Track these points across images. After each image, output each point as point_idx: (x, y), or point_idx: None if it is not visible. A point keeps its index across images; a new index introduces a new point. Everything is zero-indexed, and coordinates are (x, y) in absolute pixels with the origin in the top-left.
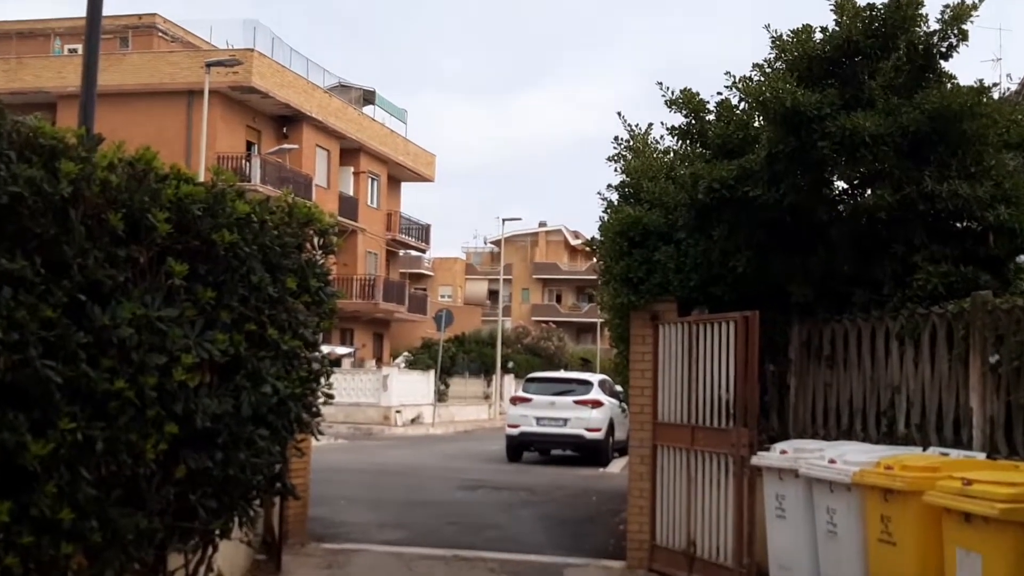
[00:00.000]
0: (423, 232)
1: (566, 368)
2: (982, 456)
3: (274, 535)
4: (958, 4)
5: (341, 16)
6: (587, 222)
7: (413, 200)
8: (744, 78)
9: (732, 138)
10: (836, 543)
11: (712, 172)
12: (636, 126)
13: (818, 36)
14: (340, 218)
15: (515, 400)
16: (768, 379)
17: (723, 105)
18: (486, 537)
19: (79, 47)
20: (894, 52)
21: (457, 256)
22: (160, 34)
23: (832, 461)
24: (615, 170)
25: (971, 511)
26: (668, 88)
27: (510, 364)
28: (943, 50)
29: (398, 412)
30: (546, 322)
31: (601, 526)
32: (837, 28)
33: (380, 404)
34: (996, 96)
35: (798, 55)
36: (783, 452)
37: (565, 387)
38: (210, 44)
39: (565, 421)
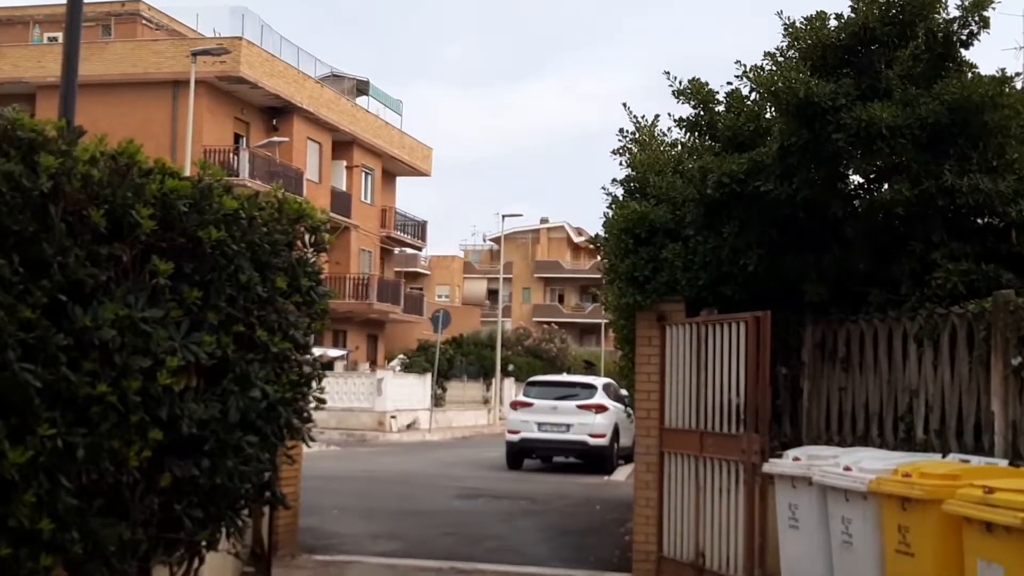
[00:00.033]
0: (419, 229)
1: (569, 371)
2: (1004, 463)
3: (263, 546)
4: None
5: (334, 2)
6: (591, 218)
7: (409, 195)
8: (755, 67)
9: (743, 130)
10: (852, 554)
11: (722, 166)
12: (642, 118)
13: (833, 23)
14: (332, 214)
15: (515, 405)
16: (780, 382)
17: (733, 96)
18: (485, 548)
19: (59, 35)
20: (912, 40)
21: (455, 254)
22: (144, 22)
23: (847, 468)
24: (620, 164)
25: (993, 521)
26: (676, 78)
27: (510, 367)
28: (963, 38)
29: (393, 417)
30: (548, 323)
31: (606, 537)
32: (852, 15)
33: (374, 409)
34: (1019, 86)
35: (812, 43)
36: (796, 459)
37: (568, 391)
38: (196, 32)
39: (568, 427)
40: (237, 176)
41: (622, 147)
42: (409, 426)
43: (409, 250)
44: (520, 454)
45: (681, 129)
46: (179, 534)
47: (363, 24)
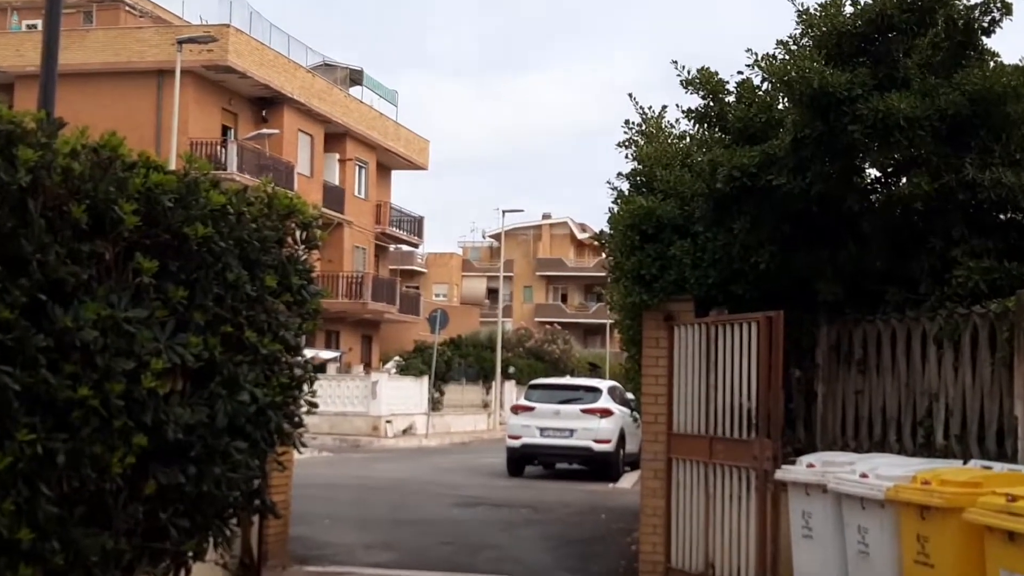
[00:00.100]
0: (416, 225)
1: (572, 374)
2: None
3: (252, 557)
4: None
5: None
6: (595, 214)
7: (405, 190)
8: (767, 56)
9: (754, 122)
10: (868, 565)
11: (732, 159)
12: (649, 109)
13: (848, 10)
14: (324, 210)
15: (516, 409)
16: (793, 385)
17: (744, 86)
18: (484, 558)
19: (39, 23)
20: (931, 27)
21: (453, 251)
22: (127, 8)
23: (864, 475)
24: (626, 157)
25: (1016, 530)
26: (684, 67)
27: (511, 369)
28: (985, 25)
29: (388, 422)
30: (550, 323)
31: (611, 546)
32: (869, 1)
33: (369, 413)
34: None
35: (826, 31)
36: (810, 465)
37: (571, 395)
38: (182, 19)
39: (571, 432)
40: (225, 170)
41: (628, 139)
42: (405, 431)
43: (405, 247)
44: (521, 460)
45: (690, 121)
46: (164, 544)
47: (356, 11)
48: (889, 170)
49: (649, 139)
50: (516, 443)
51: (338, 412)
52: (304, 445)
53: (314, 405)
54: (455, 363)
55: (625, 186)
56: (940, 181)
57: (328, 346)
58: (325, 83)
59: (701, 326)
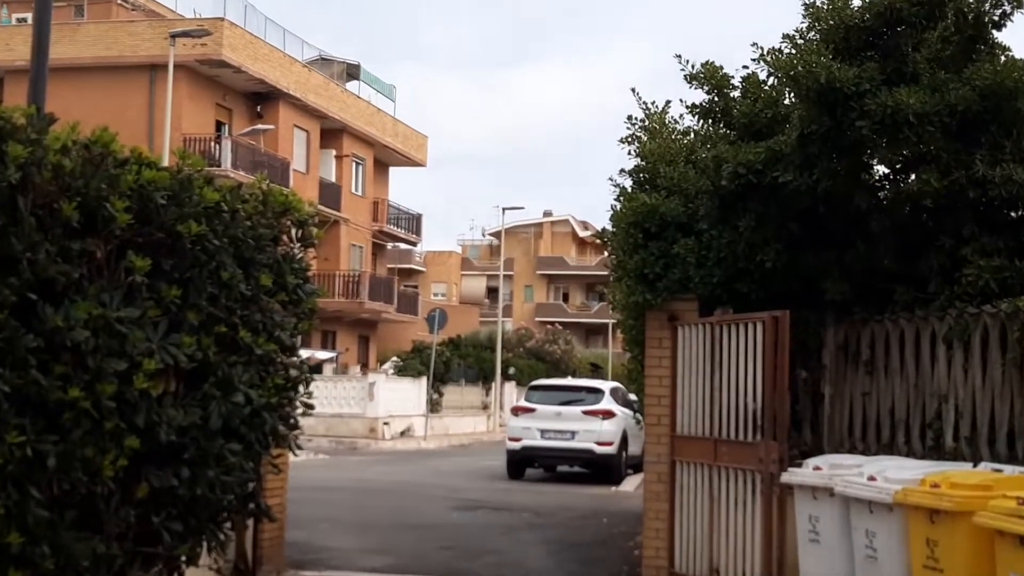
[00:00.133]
0: (414, 222)
1: (574, 375)
2: None
3: (247, 561)
4: None
5: None
6: (597, 211)
7: (403, 187)
8: (773, 50)
9: (760, 117)
10: (876, 570)
11: (737, 155)
12: (652, 104)
13: (856, 3)
14: (321, 207)
15: (517, 410)
16: (800, 387)
17: (750, 80)
18: (484, 563)
19: (29, 16)
20: (941, 21)
21: (452, 250)
22: (119, 2)
23: (872, 478)
24: (629, 153)
25: None
26: (688, 61)
27: (511, 370)
28: (996, 18)
29: (386, 424)
30: (551, 323)
31: (613, 551)
32: None
33: (366, 415)
34: None
35: (834, 24)
36: (817, 468)
37: (573, 396)
38: (175, 13)
39: (573, 434)
40: (219, 166)
41: (631, 135)
42: (403, 433)
43: (403, 245)
44: (522, 463)
45: (694, 116)
46: (157, 548)
47: (353, 4)
48: (898, 167)
49: (652, 135)
50: (516, 445)
51: (334, 414)
52: (300, 447)
53: (310, 407)
54: (454, 364)
55: (628, 183)
56: (950, 178)
57: (324, 346)
58: (321, 78)
59: (705, 326)
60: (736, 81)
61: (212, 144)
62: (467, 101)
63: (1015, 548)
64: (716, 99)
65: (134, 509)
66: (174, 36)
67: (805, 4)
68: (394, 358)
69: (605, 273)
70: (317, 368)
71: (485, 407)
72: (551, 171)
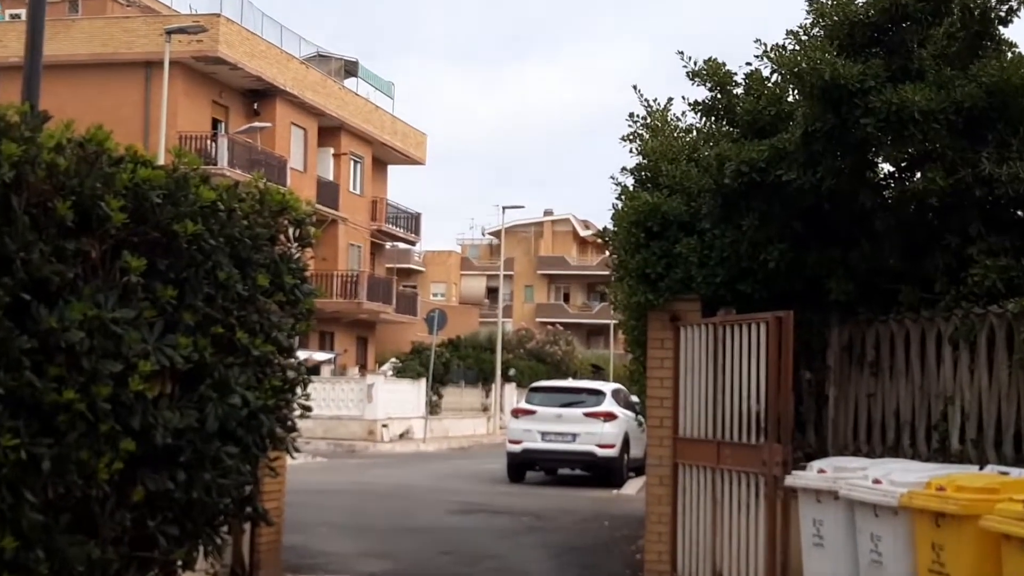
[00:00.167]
0: (413, 222)
1: (575, 376)
2: None
3: (244, 566)
4: None
5: None
6: (599, 210)
7: (402, 186)
8: (777, 46)
9: (763, 115)
10: (881, 574)
11: (740, 153)
12: (654, 101)
13: None
14: (318, 206)
15: (517, 412)
16: (804, 388)
17: (753, 77)
18: (484, 568)
19: (22, 12)
20: (947, 17)
21: (451, 249)
22: None
23: (877, 481)
24: (630, 151)
25: None
26: (690, 58)
27: (511, 372)
28: (1002, 14)
29: (384, 426)
30: (552, 324)
31: (615, 555)
32: None
33: (364, 417)
34: None
35: (838, 20)
36: (821, 471)
37: (574, 398)
38: (171, 8)
39: (574, 436)
40: (215, 165)
41: (632, 133)
42: (402, 435)
43: (402, 245)
44: (522, 466)
45: (696, 113)
46: (153, 553)
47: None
48: (903, 165)
49: (654, 133)
50: (517, 448)
51: (332, 416)
52: (297, 450)
53: (308, 409)
54: (454, 365)
55: (629, 181)
56: (956, 176)
57: (322, 348)
58: (319, 75)
59: (708, 326)
60: (739, 78)
61: (208, 142)
62: (466, 99)
63: (1022, 552)
64: (719, 96)
65: (129, 513)
66: (170, 32)
67: (809, 0)
68: (393, 359)
69: (606, 273)
70: (315, 369)
71: (485, 409)
72: (552, 170)
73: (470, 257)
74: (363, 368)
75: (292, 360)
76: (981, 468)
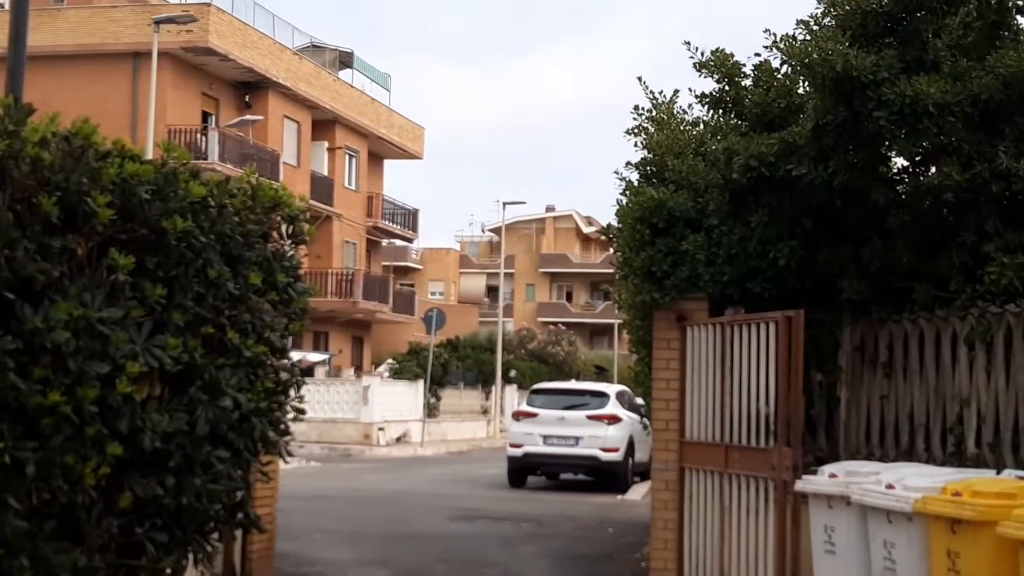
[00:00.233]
0: (410, 218)
1: (578, 378)
2: None
3: (235, 574)
4: None
5: None
6: (602, 206)
7: (398, 181)
8: (787, 37)
9: (772, 107)
10: None
11: (749, 147)
12: (660, 93)
13: None
14: (312, 202)
15: (518, 415)
16: (815, 390)
17: (762, 69)
18: None
19: (5, 2)
20: (963, 6)
21: (450, 247)
22: None
23: (890, 486)
24: (635, 145)
25: None
26: (697, 48)
27: (512, 373)
28: (1020, 3)
29: (381, 430)
30: (554, 323)
31: (620, 563)
32: None
33: (360, 420)
34: None
35: (850, 10)
36: (833, 476)
37: (577, 400)
38: None
39: (577, 440)
40: (205, 159)
41: (637, 126)
42: (399, 439)
43: (399, 242)
44: (523, 471)
45: (703, 106)
46: (141, 561)
47: None
48: (917, 159)
49: (660, 126)
50: (518, 452)
51: (327, 419)
52: (291, 454)
53: (301, 411)
54: (452, 366)
55: (634, 176)
56: (972, 171)
57: (316, 348)
58: (313, 66)
59: (715, 326)
60: (748, 69)
61: (198, 136)
62: (465, 92)
63: None
64: (727, 88)
65: (117, 519)
66: (158, 22)
67: None
68: (389, 360)
69: (610, 271)
70: (309, 371)
71: (485, 412)
72: (554, 164)
73: (469, 255)
74: (359, 369)
75: (285, 361)
76: (998, 472)
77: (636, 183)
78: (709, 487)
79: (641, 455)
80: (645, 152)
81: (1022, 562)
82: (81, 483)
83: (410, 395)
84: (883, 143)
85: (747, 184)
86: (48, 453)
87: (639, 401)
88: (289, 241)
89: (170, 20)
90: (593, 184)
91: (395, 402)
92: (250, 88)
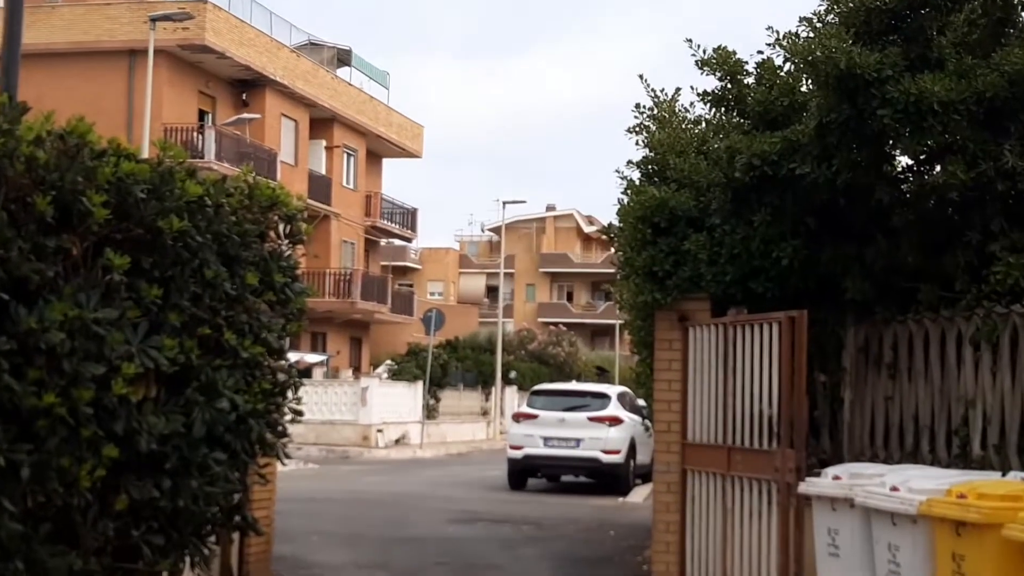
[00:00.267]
0: (409, 217)
1: (579, 379)
2: None
3: None
4: None
5: None
6: (603, 205)
7: (397, 180)
8: (789, 34)
9: (775, 105)
10: None
11: (752, 146)
12: (661, 91)
13: None
14: (310, 201)
15: (518, 417)
16: (818, 391)
17: (765, 66)
18: None
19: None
20: (968, 3)
21: (449, 246)
22: None
23: (894, 489)
24: (636, 144)
25: None
26: (699, 46)
27: (512, 374)
28: None
29: (379, 431)
30: (555, 324)
31: (621, 566)
32: None
33: (358, 422)
34: None
35: (854, 6)
36: (836, 478)
37: (578, 401)
38: None
39: (578, 442)
40: (202, 158)
41: (638, 125)
42: (398, 441)
43: (397, 241)
44: (524, 472)
45: (705, 104)
46: (137, 564)
47: None
48: (922, 158)
49: (662, 124)
50: (518, 454)
51: (325, 420)
52: (288, 456)
53: (299, 413)
54: (452, 367)
55: (636, 175)
56: (977, 169)
57: (314, 349)
58: (311, 64)
59: (718, 327)
60: (750, 67)
61: (195, 134)
62: (465, 91)
63: None
64: (729, 86)
65: (113, 522)
66: (154, 20)
67: None
68: (388, 361)
69: (611, 271)
70: (306, 372)
71: (484, 413)
72: (554, 164)
73: (469, 254)
74: (357, 370)
75: (283, 362)
76: (1004, 475)
77: (637, 182)
78: (711, 489)
79: (643, 457)
80: (647, 151)
81: None
82: (76, 485)
83: (409, 396)
84: (887, 141)
85: (750, 183)
86: (43, 455)
87: (641, 402)
88: (286, 241)
89: (166, 17)
90: (594, 183)
91: (394, 403)
92: (247, 86)
